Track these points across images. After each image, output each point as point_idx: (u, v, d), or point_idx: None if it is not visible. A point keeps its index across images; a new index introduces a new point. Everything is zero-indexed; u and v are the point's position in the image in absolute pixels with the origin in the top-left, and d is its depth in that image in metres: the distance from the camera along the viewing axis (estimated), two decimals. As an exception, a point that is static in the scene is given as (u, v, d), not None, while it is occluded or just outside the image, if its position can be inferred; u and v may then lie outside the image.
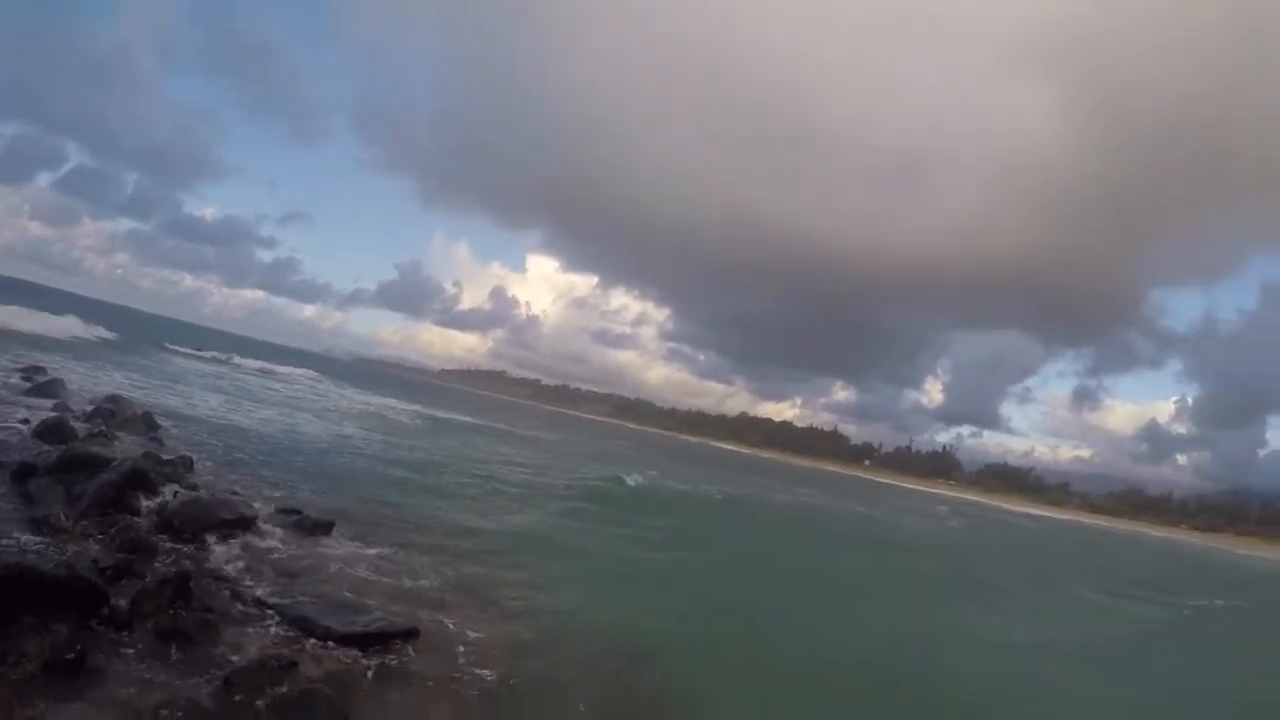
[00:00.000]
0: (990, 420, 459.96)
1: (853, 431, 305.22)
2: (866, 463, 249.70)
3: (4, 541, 8.49)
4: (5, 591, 6.58)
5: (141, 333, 62.20)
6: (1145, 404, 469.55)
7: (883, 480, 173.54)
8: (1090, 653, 16.11)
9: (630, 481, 29.52)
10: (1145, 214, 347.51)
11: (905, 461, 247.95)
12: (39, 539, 8.90)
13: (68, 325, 44.44)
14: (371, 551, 12.22)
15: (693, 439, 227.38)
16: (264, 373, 59.67)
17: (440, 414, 59.23)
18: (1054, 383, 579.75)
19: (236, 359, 65.47)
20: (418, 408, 59.24)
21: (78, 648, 6.38)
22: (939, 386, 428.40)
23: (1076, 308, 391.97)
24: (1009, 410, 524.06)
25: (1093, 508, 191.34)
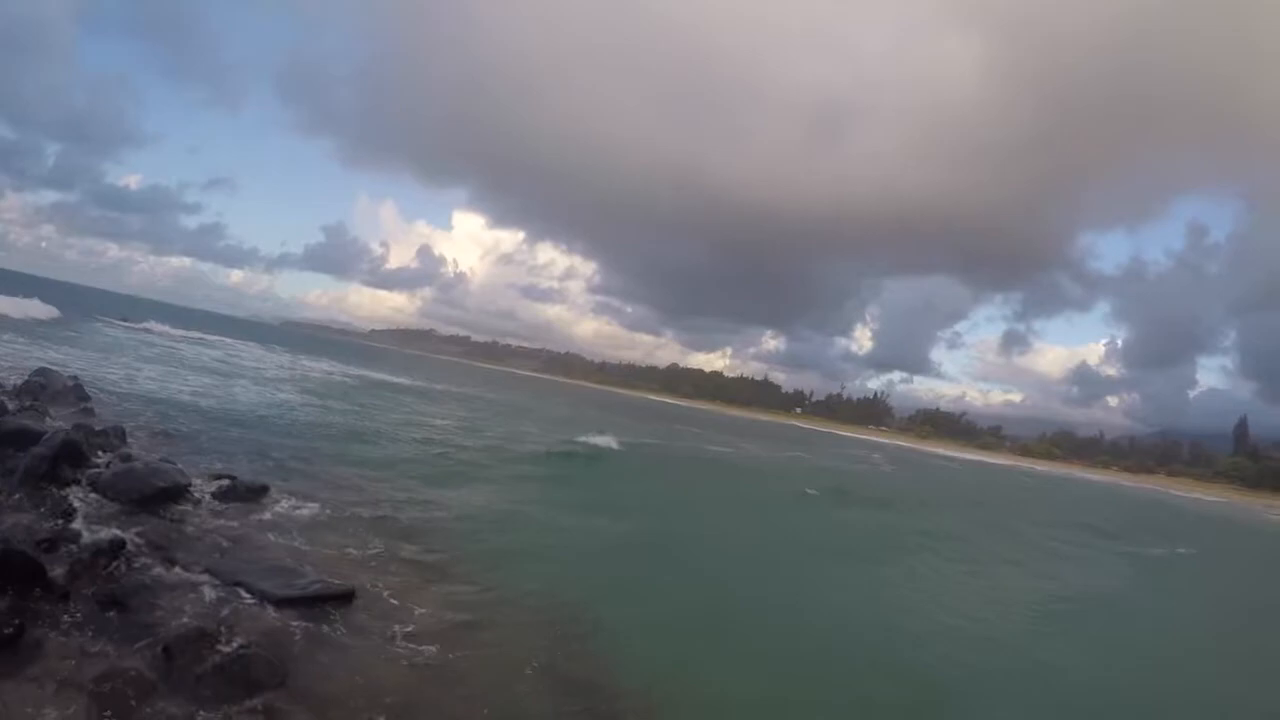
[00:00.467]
0: (921, 366, 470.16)
1: (783, 380, 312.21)
2: (798, 410, 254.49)
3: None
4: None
5: (69, 305, 60.53)
6: (1075, 347, 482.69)
7: (814, 428, 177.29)
8: (1085, 611, 16.28)
9: (561, 439, 29.93)
10: (1071, 158, 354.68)
11: (836, 408, 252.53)
12: (-28, 515, 8.91)
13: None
14: (307, 515, 12.39)
15: (624, 392, 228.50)
16: (193, 340, 58.66)
17: (371, 374, 59.05)
18: (983, 327, 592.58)
19: (164, 327, 64.25)
20: (349, 369, 58.98)
21: (16, 621, 6.51)
22: (868, 334, 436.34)
23: (1004, 252, 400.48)
24: (939, 356, 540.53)
25: (1026, 451, 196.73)
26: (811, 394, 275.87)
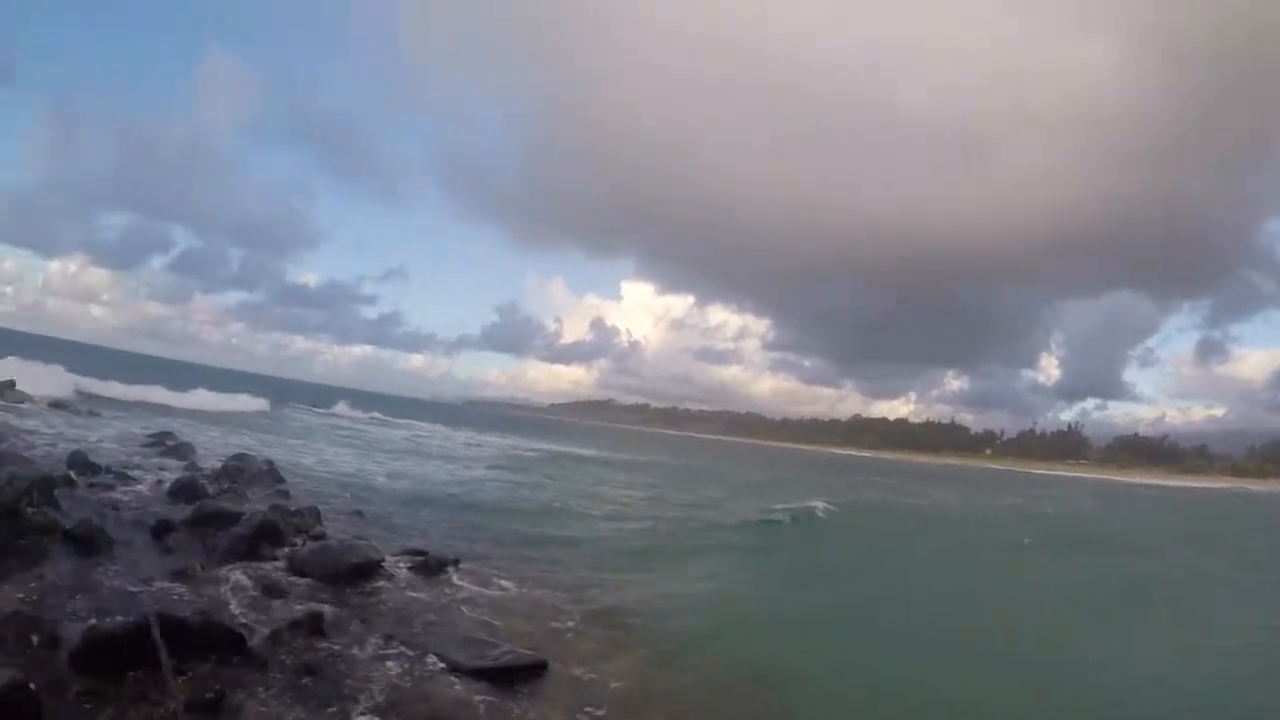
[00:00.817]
0: (1113, 390, 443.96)
1: (971, 420, 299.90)
2: (988, 451, 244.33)
3: (147, 591, 9.24)
4: (149, 637, 7.16)
5: (259, 394, 65.05)
6: (1277, 348, 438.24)
7: (1008, 468, 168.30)
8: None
9: (753, 504, 29.44)
10: (1241, 144, 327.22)
11: (1030, 446, 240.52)
12: (179, 588, 9.59)
13: (197, 398, 46.74)
14: (497, 589, 12.61)
15: (807, 448, 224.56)
16: (378, 422, 61.92)
17: (554, 447, 60.50)
18: (1175, 340, 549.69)
19: (353, 411, 67.99)
20: (532, 443, 60.54)
21: (217, 687, 6.87)
22: (1055, 362, 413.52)
23: (1184, 257, 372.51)
24: (1132, 376, 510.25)
25: (1237, 471, 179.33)
26: (1002, 433, 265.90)
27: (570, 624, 11.17)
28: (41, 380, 33.32)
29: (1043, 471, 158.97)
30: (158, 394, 43.42)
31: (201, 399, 46.70)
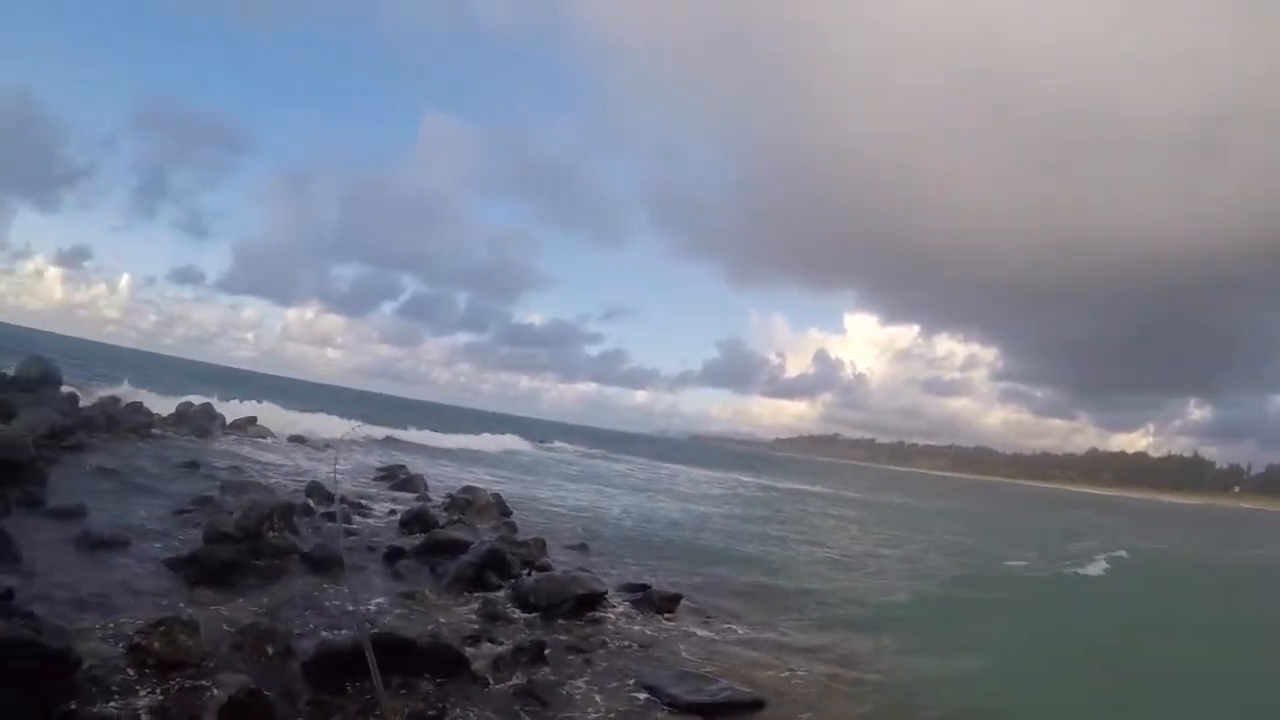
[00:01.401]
0: None
1: (1215, 454, 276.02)
2: (1236, 489, 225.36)
3: (380, 612, 9.92)
4: (380, 654, 7.55)
5: (482, 429, 68.15)
6: None
7: (1259, 508, 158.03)
8: None
9: (1004, 551, 27.87)
10: None
11: None
12: (408, 611, 10.14)
13: (422, 436, 49.45)
14: (719, 628, 12.53)
15: (1040, 484, 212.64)
16: (602, 457, 63.51)
17: (781, 484, 59.99)
18: None
19: (573, 446, 70.01)
20: (758, 479, 60.30)
21: (440, 704, 7.25)
22: None
23: None
24: None
25: None
26: (1249, 467, 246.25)
27: (794, 668, 10.82)
28: (279, 417, 36.17)
29: None
30: (391, 431, 46.12)
31: (454, 439, 49.40)
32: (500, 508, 20.40)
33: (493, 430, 67.43)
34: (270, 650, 7.59)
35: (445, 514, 17.89)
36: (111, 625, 7.69)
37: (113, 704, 6.05)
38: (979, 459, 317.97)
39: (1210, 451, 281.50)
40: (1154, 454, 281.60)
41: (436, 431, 53.08)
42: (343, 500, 17.96)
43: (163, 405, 28.96)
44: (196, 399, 31.49)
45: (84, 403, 22.80)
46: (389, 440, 42.40)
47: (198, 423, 27.33)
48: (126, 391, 31.26)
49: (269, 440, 30.15)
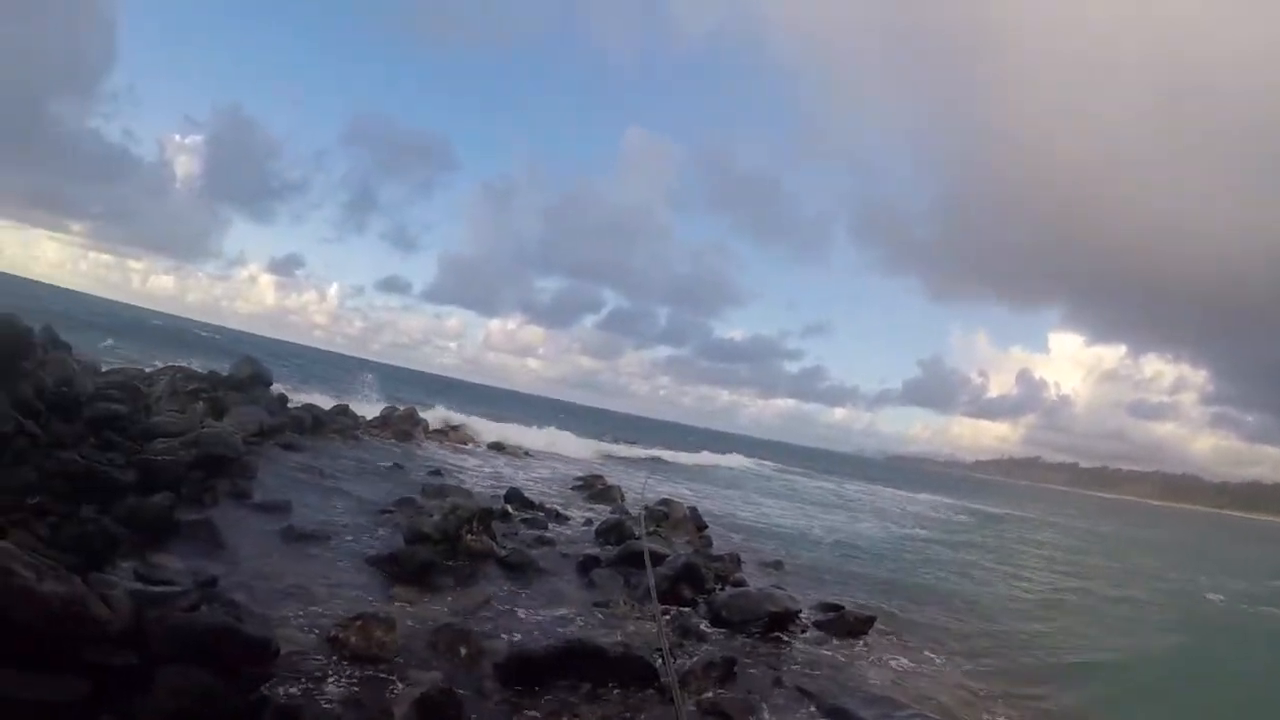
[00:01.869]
0: None
1: None
2: None
3: (572, 620, 10.09)
4: (571, 662, 7.74)
5: (681, 442, 68.60)
6: None
7: None
8: None
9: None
10: None
11: None
12: (600, 620, 10.27)
13: (606, 446, 50.22)
14: (912, 654, 12.19)
15: (1250, 515, 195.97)
16: (803, 475, 62.91)
17: (986, 508, 57.90)
18: None
19: (773, 463, 69.56)
20: (962, 502, 58.38)
21: (626, 714, 7.37)
22: None
23: None
24: None
25: None
26: None
27: (986, 701, 10.42)
28: (481, 425, 37.37)
29: None
30: (592, 445, 46.89)
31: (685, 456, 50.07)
32: (696, 521, 20.40)
33: (705, 447, 68.06)
34: (463, 650, 7.82)
35: (641, 526, 18.06)
36: (310, 617, 8.12)
37: (308, 693, 6.36)
38: (1185, 486, 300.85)
39: None
40: None
41: (646, 447, 53.84)
42: (541, 508, 18.46)
43: (368, 409, 30.42)
44: (400, 404, 32.95)
45: (291, 403, 24.09)
46: (595, 452, 43.21)
47: (401, 427, 28.58)
48: (333, 394, 32.97)
49: (470, 446, 31.29)
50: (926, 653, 12.51)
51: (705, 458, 57.21)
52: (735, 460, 62.73)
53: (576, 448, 42.32)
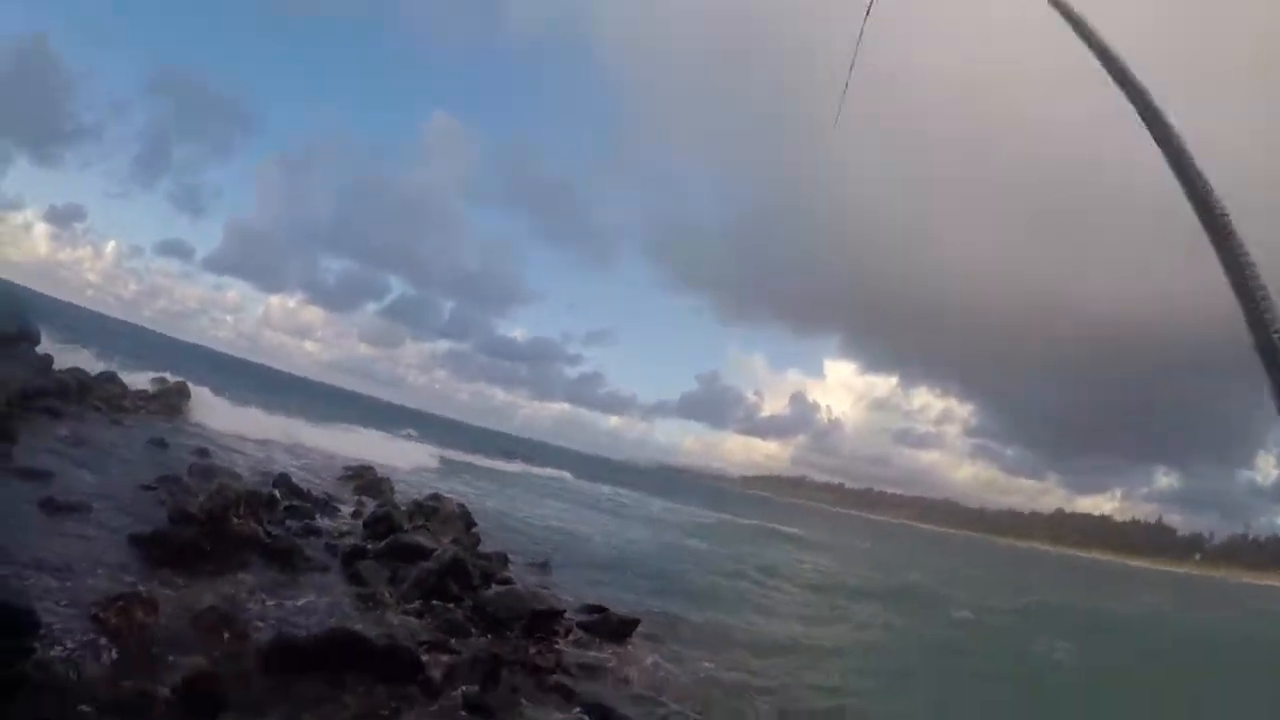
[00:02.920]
0: None
1: (1179, 521, 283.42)
2: (1196, 557, 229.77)
3: (337, 610, 9.99)
4: (335, 652, 7.74)
5: (458, 440, 68.23)
6: None
7: (1214, 575, 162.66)
8: None
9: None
10: None
11: (1240, 552, 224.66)
12: (366, 612, 10.21)
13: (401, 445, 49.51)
14: (671, 653, 12.73)
15: (1004, 540, 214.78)
16: (572, 479, 63.58)
17: (746, 520, 60.37)
18: None
19: (543, 469, 70.02)
20: (728, 515, 60.65)
21: (392, 704, 7.43)
22: (1273, 461, 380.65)
23: None
24: None
25: None
26: (1211, 535, 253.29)
27: (745, 697, 11.12)
28: (253, 404, 36.08)
29: (1254, 581, 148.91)
30: (364, 435, 45.98)
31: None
32: (465, 518, 20.36)
33: (479, 446, 67.76)
34: (227, 635, 7.69)
35: (410, 520, 17.95)
36: (70, 593, 7.77)
37: (69, 671, 6.16)
38: (946, 511, 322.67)
39: (1174, 519, 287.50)
40: (1119, 518, 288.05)
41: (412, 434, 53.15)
42: (309, 496, 18.08)
43: (136, 379, 28.91)
44: (171, 376, 31.46)
45: (57, 365, 22.66)
46: (360, 440, 42.38)
47: (170, 400, 27.31)
48: (101, 360, 31.08)
49: (241, 427, 30.12)
50: (689, 653, 13.04)
51: (479, 460, 56.98)
52: (516, 466, 63.13)
53: (351, 437, 41.47)
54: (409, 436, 55.73)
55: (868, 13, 4.70)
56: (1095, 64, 2.54)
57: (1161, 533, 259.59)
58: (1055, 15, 2.75)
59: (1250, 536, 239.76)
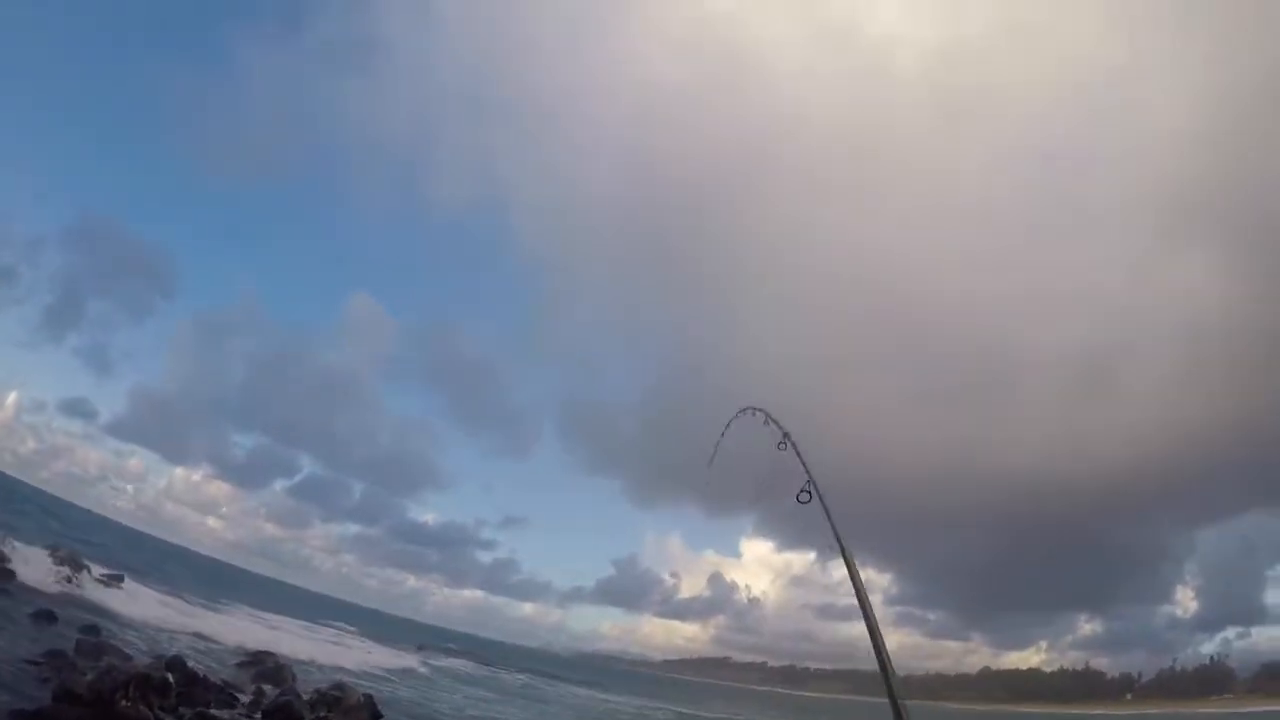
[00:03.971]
0: (1255, 615, 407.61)
1: (1106, 664, 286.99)
2: (1128, 696, 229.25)
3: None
4: None
5: (366, 628, 66.07)
6: None
7: (1150, 712, 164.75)
8: None
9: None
10: None
11: (1171, 685, 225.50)
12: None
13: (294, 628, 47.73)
14: None
15: (933, 703, 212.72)
16: (477, 667, 61.82)
17: (670, 707, 58.84)
18: None
19: (456, 660, 67.87)
20: (643, 702, 59.26)
21: None
22: (1190, 593, 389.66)
23: None
24: (1273, 597, 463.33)
25: None
26: (1140, 674, 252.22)
27: None
28: (152, 592, 34.41)
29: (1187, 710, 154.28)
30: (274, 620, 44.20)
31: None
32: (370, 709, 19.34)
33: (384, 632, 65.56)
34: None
35: (312, 711, 16.93)
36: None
37: None
38: (875, 681, 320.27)
39: (1101, 662, 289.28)
40: (1047, 669, 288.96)
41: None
42: (205, 681, 16.93)
43: (25, 547, 27.41)
44: (63, 546, 29.88)
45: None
46: (262, 623, 40.62)
47: (61, 570, 25.83)
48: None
49: (135, 602, 28.48)
50: None
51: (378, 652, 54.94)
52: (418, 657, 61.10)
53: (254, 624, 39.67)
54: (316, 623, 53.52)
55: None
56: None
57: (1091, 677, 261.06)
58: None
59: (1178, 668, 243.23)
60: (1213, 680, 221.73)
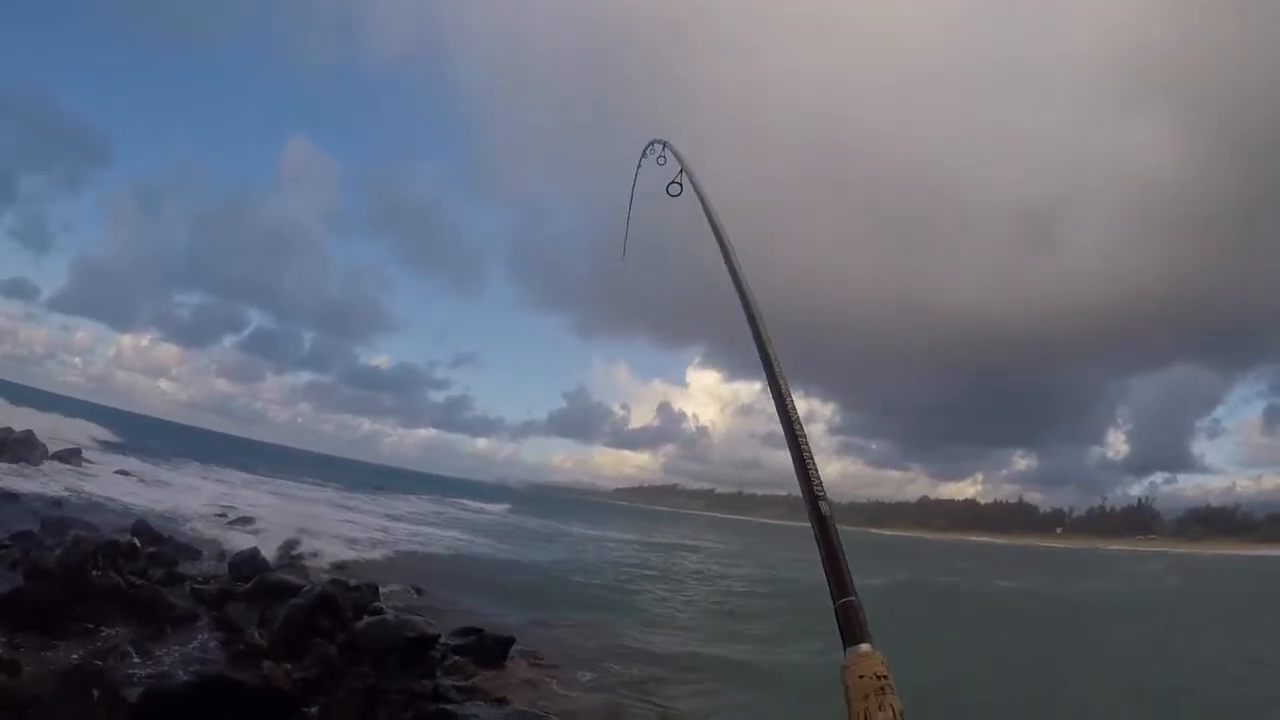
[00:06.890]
0: (1182, 461, 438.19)
1: (1039, 499, 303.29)
2: (1058, 530, 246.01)
3: (208, 656, 9.58)
4: (209, 700, 7.48)
5: (323, 475, 66.57)
6: None
7: (1077, 547, 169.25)
8: None
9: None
10: None
11: (1099, 523, 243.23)
12: (238, 656, 9.86)
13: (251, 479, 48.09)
14: (550, 670, 12.64)
15: (874, 530, 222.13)
16: (441, 504, 62.77)
17: (615, 534, 60.36)
18: (1242, 409, 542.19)
19: (413, 496, 68.81)
20: (591, 531, 60.55)
21: None
22: (1122, 437, 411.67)
23: (1246, 326, 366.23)
24: (1200, 448, 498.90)
25: None
26: (1071, 510, 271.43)
27: (627, 709, 11.15)
28: (107, 452, 34.50)
29: (1116, 548, 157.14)
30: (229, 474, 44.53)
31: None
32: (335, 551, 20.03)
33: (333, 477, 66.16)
34: (96, 693, 7.33)
35: (278, 556, 17.49)
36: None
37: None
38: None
39: (1035, 497, 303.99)
40: (982, 501, 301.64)
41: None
42: (171, 541, 17.37)
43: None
44: (17, 426, 29.70)
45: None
46: (220, 479, 40.96)
47: (18, 452, 25.82)
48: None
49: (94, 474, 28.65)
50: (563, 666, 12.98)
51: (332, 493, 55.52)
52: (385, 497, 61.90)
53: (212, 478, 40.09)
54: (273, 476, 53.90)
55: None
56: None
57: (1023, 511, 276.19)
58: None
59: (1107, 507, 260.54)
60: (1139, 521, 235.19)
